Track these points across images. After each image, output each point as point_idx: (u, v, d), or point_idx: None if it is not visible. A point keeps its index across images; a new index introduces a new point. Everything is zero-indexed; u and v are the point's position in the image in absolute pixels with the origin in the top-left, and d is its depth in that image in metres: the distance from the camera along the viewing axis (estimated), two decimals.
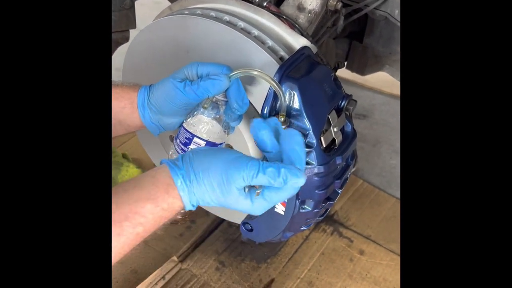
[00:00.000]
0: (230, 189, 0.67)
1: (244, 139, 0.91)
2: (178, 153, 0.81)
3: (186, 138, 0.79)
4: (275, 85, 0.76)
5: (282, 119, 0.78)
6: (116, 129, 0.84)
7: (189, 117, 0.80)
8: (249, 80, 0.87)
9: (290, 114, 0.81)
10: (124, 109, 0.81)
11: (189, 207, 0.69)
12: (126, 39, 1.31)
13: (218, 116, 0.80)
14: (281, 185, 0.67)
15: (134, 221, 0.65)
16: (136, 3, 1.29)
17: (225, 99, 0.79)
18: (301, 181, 0.67)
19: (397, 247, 1.31)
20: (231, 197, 0.68)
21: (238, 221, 0.99)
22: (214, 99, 0.79)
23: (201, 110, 0.79)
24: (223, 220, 1.32)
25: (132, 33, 1.19)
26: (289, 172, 0.67)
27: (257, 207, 0.69)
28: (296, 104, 0.80)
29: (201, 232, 1.31)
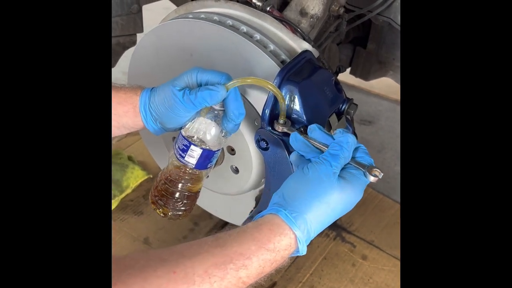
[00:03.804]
0: (337, 216, 0.70)
1: (245, 140, 0.92)
2: (177, 157, 0.82)
3: (183, 144, 0.81)
4: (274, 90, 0.77)
5: (282, 121, 0.79)
6: (120, 131, 0.86)
7: (187, 124, 0.81)
8: None
9: (290, 117, 0.82)
10: (128, 113, 0.82)
11: (302, 247, 0.67)
12: (133, 43, 1.33)
13: (215, 124, 0.80)
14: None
15: (238, 263, 0.63)
16: (144, 7, 1.32)
17: (222, 109, 0.79)
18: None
19: (399, 253, 1.31)
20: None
21: (241, 223, 1.00)
22: (211, 108, 0.79)
23: (199, 118, 0.80)
24: (226, 223, 1.32)
25: (140, 37, 1.21)
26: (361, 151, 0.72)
27: (360, 192, 0.71)
28: (297, 107, 0.82)
29: (204, 234, 1.32)
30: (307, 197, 0.67)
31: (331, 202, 0.68)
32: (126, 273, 0.59)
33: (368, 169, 0.69)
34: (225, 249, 0.63)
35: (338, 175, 0.69)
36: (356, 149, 0.72)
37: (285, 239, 0.66)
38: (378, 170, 0.69)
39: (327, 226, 0.69)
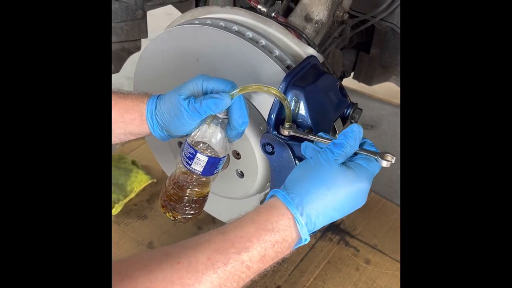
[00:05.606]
0: (342, 203, 0.69)
1: (251, 145, 0.92)
2: (183, 164, 0.83)
3: (189, 153, 0.81)
4: (279, 95, 0.78)
5: (288, 126, 0.80)
6: (127, 137, 0.86)
7: (192, 132, 0.82)
8: None
9: (296, 122, 0.83)
10: (134, 120, 0.83)
11: (302, 229, 0.66)
12: (138, 48, 1.34)
13: (220, 131, 0.81)
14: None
15: (239, 246, 0.63)
16: (148, 13, 1.33)
17: (226, 117, 0.80)
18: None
19: None
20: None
21: None
22: (216, 116, 0.80)
23: (204, 126, 0.81)
24: None
25: (144, 42, 1.22)
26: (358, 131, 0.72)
27: (365, 181, 0.71)
28: (302, 111, 0.82)
29: None
30: (306, 180, 0.68)
31: (331, 186, 0.68)
32: (132, 268, 0.60)
33: (380, 154, 0.69)
34: (226, 235, 0.64)
35: (343, 164, 0.70)
36: (363, 143, 0.73)
37: (283, 219, 0.66)
38: (390, 155, 0.68)
39: (331, 213, 0.68)
